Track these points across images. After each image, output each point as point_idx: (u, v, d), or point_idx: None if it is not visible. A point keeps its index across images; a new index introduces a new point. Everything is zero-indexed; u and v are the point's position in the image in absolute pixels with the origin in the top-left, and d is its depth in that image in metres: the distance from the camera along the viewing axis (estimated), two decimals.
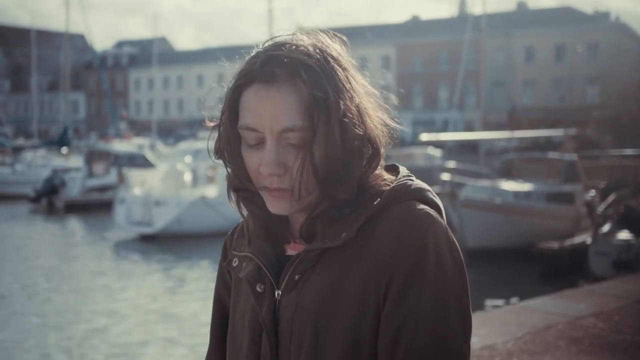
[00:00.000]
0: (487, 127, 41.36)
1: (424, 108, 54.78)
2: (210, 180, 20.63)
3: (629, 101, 37.69)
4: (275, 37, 1.02)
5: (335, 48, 1.01)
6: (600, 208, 13.90)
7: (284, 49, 0.98)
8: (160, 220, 18.13)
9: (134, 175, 20.73)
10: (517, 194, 15.75)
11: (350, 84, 0.98)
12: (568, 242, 13.72)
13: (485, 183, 17.18)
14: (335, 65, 0.98)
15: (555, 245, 13.52)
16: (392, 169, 1.07)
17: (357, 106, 0.98)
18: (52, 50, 63.72)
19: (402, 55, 55.74)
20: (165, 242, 17.69)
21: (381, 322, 0.94)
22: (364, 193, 1.00)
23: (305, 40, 0.99)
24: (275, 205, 1.00)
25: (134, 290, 13.01)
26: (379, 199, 0.99)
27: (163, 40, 73.63)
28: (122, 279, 14.19)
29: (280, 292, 1.01)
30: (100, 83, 52.67)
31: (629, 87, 39.58)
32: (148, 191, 19.01)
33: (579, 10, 52.39)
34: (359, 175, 0.98)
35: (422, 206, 0.98)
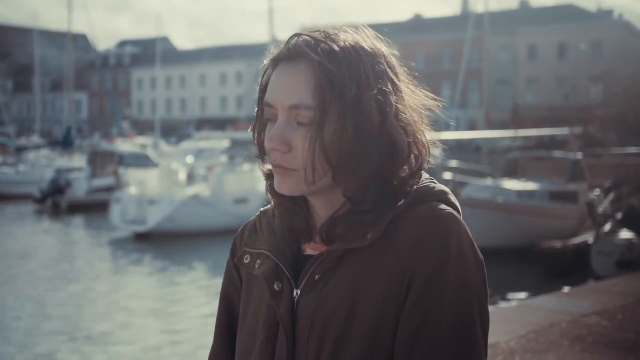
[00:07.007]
0: (491, 125, 41.26)
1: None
2: (207, 179, 20.70)
3: (633, 99, 37.52)
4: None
5: (376, 46, 1.02)
6: (602, 207, 13.86)
7: (313, 33, 1.00)
8: (153, 219, 18.19)
9: (132, 175, 20.79)
10: (520, 194, 15.71)
11: (380, 80, 0.98)
12: (571, 242, 13.68)
13: (488, 182, 17.15)
14: (367, 59, 0.98)
15: (558, 244, 13.48)
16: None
17: (379, 102, 0.97)
18: (54, 50, 63.82)
19: (404, 54, 55.50)
20: (159, 241, 17.75)
21: (402, 318, 0.94)
22: (387, 194, 0.99)
23: (341, 31, 1.01)
24: (280, 183, 1.01)
25: (125, 288, 13.08)
26: (403, 200, 0.99)
27: (165, 40, 73.63)
28: (114, 277, 14.27)
29: (299, 292, 1.01)
30: (103, 83, 52.73)
31: (632, 85, 39.42)
32: (143, 190, 19.06)
33: (582, 8, 52.22)
34: (377, 173, 0.98)
35: (444, 207, 0.99)
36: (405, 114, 1.00)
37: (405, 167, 1.01)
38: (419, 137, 1.02)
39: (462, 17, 54.04)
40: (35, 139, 47.08)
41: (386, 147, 0.97)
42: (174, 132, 59.03)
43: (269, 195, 1.09)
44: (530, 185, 16.16)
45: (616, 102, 40.01)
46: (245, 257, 1.10)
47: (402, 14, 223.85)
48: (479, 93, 49.29)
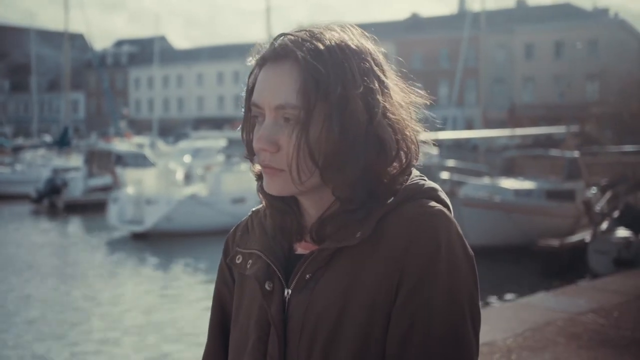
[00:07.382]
0: (488, 124, 41.34)
1: (423, 105, 54.70)
2: (204, 179, 20.68)
3: (629, 97, 37.61)
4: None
5: (362, 43, 1.00)
6: (598, 205, 13.90)
7: (298, 33, 0.99)
8: (151, 218, 18.17)
9: (129, 174, 20.76)
10: (517, 192, 15.73)
11: (366, 78, 0.97)
12: (568, 240, 13.71)
13: (485, 181, 17.18)
14: (352, 57, 0.97)
15: (555, 242, 13.51)
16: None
17: (366, 100, 0.96)
18: (51, 49, 63.70)
19: (401, 53, 55.73)
20: (156, 240, 17.72)
21: (392, 318, 0.94)
22: (376, 192, 0.99)
23: (326, 29, 1.00)
24: (268, 184, 1.01)
25: (120, 288, 13.06)
26: (392, 198, 0.99)
27: (162, 39, 73.52)
28: (111, 277, 14.24)
29: (290, 291, 1.01)
30: (100, 82, 52.62)
31: (628, 83, 39.51)
32: (140, 190, 19.04)
33: (578, 7, 52.30)
34: (365, 171, 0.97)
35: (434, 204, 0.98)
36: (393, 111, 0.99)
37: (395, 164, 1.00)
38: (408, 133, 1.01)
39: (458, 16, 54.03)
40: (47, 138, 46.87)
41: (374, 145, 0.97)
42: (171, 131, 58.90)
43: (260, 196, 1.09)
44: (527, 184, 16.19)
45: (612, 100, 40.11)
46: (237, 257, 1.10)
47: (399, 13, 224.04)
48: (476, 92, 49.34)
